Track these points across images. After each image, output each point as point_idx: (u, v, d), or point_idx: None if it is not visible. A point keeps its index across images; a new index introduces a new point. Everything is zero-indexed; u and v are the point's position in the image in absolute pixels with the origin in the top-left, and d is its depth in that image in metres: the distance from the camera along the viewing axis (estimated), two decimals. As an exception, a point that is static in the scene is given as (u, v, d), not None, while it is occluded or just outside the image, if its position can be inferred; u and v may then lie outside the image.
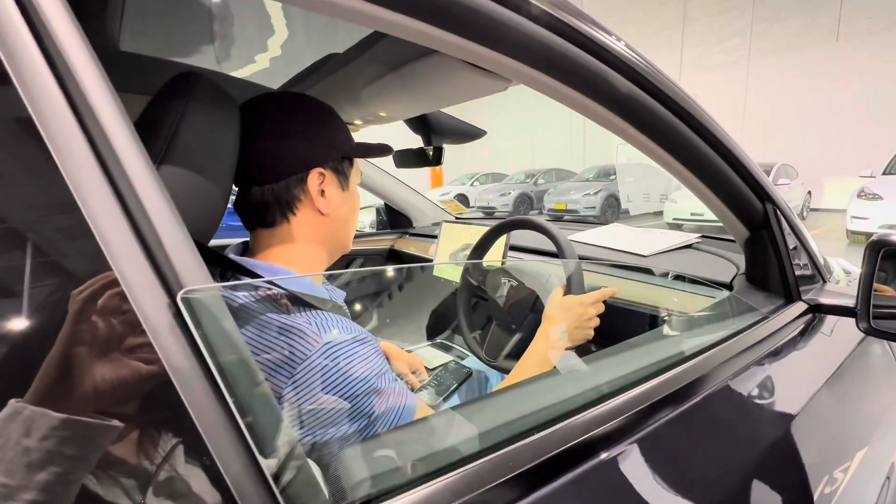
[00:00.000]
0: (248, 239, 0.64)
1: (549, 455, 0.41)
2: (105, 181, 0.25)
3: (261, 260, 0.59)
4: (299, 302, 0.51)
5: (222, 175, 0.51)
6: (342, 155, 0.63)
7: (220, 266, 0.53)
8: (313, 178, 0.59)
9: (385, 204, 2.08)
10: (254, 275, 0.55)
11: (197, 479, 0.25)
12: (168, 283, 0.26)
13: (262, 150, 0.57)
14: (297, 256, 0.61)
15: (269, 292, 0.51)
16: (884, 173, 6.27)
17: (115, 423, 0.24)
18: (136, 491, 0.24)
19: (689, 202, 6.97)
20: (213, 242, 0.55)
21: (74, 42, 0.26)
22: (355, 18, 0.39)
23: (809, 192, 9.06)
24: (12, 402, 0.22)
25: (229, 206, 0.56)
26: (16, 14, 0.24)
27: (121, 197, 0.26)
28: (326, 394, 0.48)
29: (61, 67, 0.25)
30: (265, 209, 0.59)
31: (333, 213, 0.63)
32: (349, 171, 0.66)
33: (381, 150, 0.70)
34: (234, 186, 0.61)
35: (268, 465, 0.27)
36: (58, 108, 0.25)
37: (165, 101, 0.47)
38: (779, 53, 10.16)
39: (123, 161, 0.26)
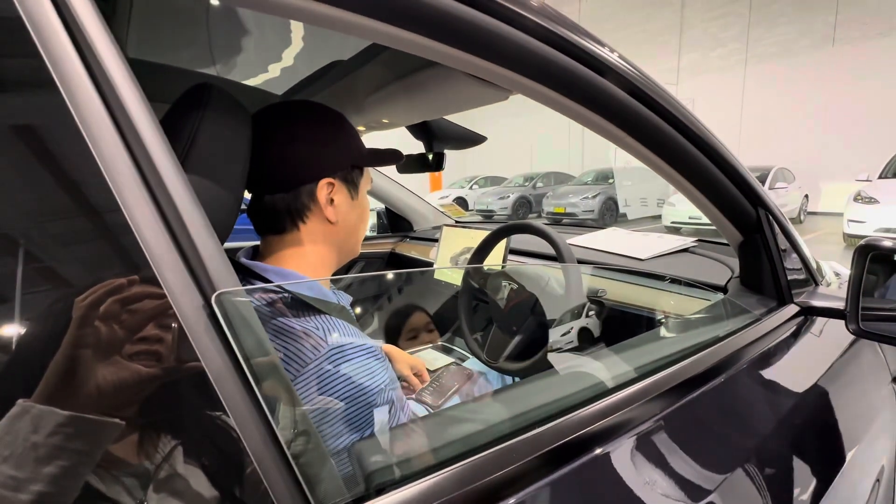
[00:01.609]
0: (258, 243, 0.65)
1: (546, 450, 0.42)
2: (144, 187, 0.27)
3: (271, 264, 0.61)
4: (310, 306, 0.53)
5: (235, 182, 0.53)
6: (352, 164, 0.64)
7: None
8: (322, 187, 0.60)
9: (385, 207, 2.10)
10: (262, 280, 0.56)
11: (227, 464, 0.27)
12: (202, 286, 0.28)
13: (273, 159, 0.59)
14: (307, 262, 0.62)
15: (282, 296, 0.52)
16: (880, 177, 6.31)
17: (118, 420, 0.25)
18: (170, 474, 0.26)
19: (686, 206, 7.00)
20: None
21: (110, 53, 0.27)
22: (358, 33, 0.40)
23: (806, 196, 9.10)
24: (20, 401, 0.23)
25: None
26: (59, 26, 0.26)
27: (157, 202, 0.28)
28: (328, 397, 0.49)
29: (99, 76, 0.27)
30: (276, 217, 0.60)
31: (342, 222, 0.64)
32: (359, 180, 0.66)
33: (390, 156, 0.71)
34: (247, 193, 0.63)
35: (290, 451, 0.29)
36: (98, 115, 0.26)
37: (182, 111, 0.49)
38: (775, 58, 10.22)
39: (159, 168, 0.28)
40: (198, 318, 0.27)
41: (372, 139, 1.05)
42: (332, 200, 0.62)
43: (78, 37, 0.26)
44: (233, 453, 0.27)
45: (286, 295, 0.53)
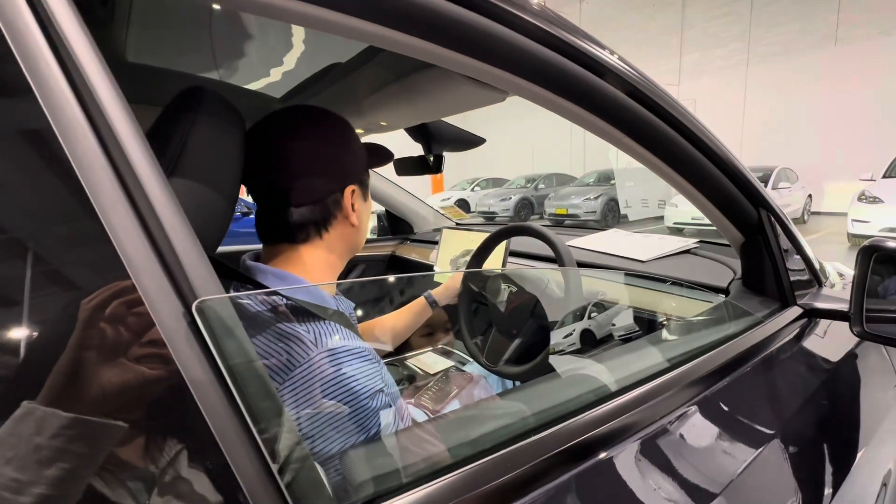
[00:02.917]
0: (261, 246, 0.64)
1: (547, 455, 0.42)
2: (122, 193, 0.27)
3: (274, 266, 0.59)
4: (303, 311, 0.52)
5: (228, 186, 0.52)
6: (366, 167, 0.66)
7: (224, 276, 0.54)
8: (348, 195, 0.61)
9: (386, 210, 2.10)
10: (260, 285, 0.56)
11: (208, 475, 0.26)
12: (183, 293, 0.27)
13: (296, 171, 0.58)
14: (315, 268, 0.61)
15: (275, 301, 0.52)
16: (884, 176, 6.28)
17: (121, 423, 0.25)
18: (151, 486, 0.25)
19: (689, 206, 6.93)
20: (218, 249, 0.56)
21: (89, 57, 0.27)
22: (355, 36, 0.40)
23: (810, 196, 9.07)
24: (25, 403, 0.23)
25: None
26: (35, 29, 0.26)
27: (137, 209, 0.27)
28: (317, 402, 0.48)
29: (78, 81, 0.26)
30: (299, 228, 0.59)
31: (360, 223, 0.65)
32: (368, 180, 0.68)
33: (385, 154, 0.72)
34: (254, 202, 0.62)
35: (274, 463, 0.28)
36: (76, 121, 0.26)
37: (175, 115, 0.49)
38: (777, 58, 10.20)
39: (139, 174, 0.27)
40: (178, 327, 0.27)
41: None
42: (352, 205, 0.63)
43: (56, 40, 0.26)
44: (213, 465, 0.27)
45: (276, 299, 0.52)
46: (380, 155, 0.71)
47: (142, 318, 0.26)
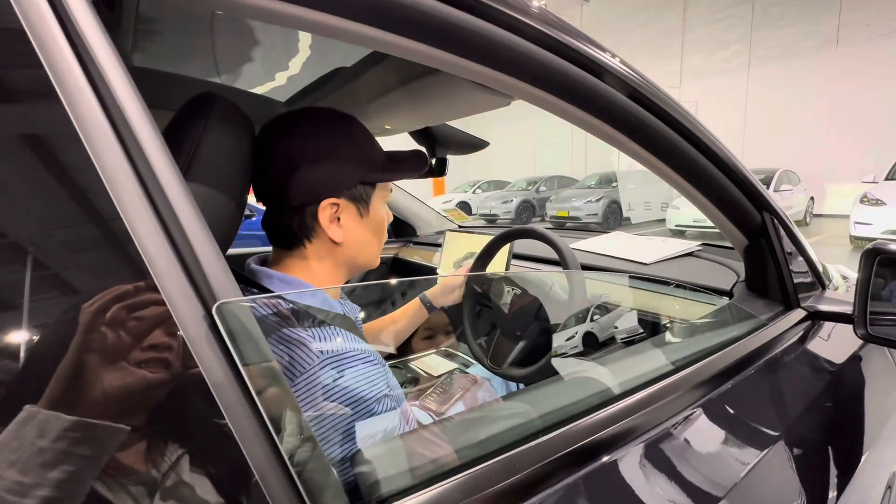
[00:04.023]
0: (269, 249, 0.65)
1: (551, 458, 0.42)
2: (145, 197, 0.27)
3: (276, 270, 0.60)
4: (308, 315, 0.53)
5: (238, 190, 0.53)
6: (359, 181, 0.60)
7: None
8: (325, 208, 0.57)
9: (388, 213, 2.11)
10: (265, 289, 0.56)
11: (227, 473, 0.27)
12: (203, 296, 0.28)
13: (278, 175, 0.57)
14: (314, 276, 0.61)
15: (280, 305, 0.52)
16: (886, 178, 6.27)
17: (123, 426, 0.25)
18: (171, 483, 0.26)
19: (691, 209, 6.94)
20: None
21: (110, 61, 0.27)
22: (360, 41, 0.41)
23: (812, 198, 9.05)
24: (27, 406, 0.23)
25: None
26: (60, 36, 0.26)
27: (159, 212, 0.28)
28: (323, 404, 0.48)
29: (100, 84, 0.27)
30: (284, 233, 0.60)
31: (349, 241, 0.61)
32: (370, 195, 0.62)
33: (410, 164, 0.64)
34: (259, 204, 0.63)
35: (290, 462, 0.29)
36: (98, 125, 0.26)
37: (186, 120, 0.49)
38: (779, 60, 10.21)
39: (160, 178, 0.28)
40: (199, 329, 0.27)
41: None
42: (338, 219, 0.59)
43: (79, 46, 0.26)
44: (233, 463, 0.27)
45: (287, 304, 0.52)
46: (400, 167, 0.63)
47: (165, 319, 0.27)
